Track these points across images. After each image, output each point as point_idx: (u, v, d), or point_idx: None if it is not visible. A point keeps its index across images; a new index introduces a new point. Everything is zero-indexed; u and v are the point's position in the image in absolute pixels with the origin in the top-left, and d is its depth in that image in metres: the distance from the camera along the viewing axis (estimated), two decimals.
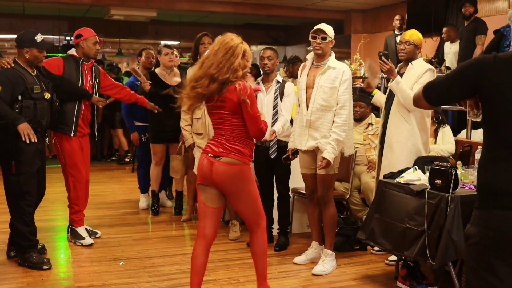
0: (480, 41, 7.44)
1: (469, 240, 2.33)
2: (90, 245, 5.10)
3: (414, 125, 4.58)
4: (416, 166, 4.24)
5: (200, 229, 3.68)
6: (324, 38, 4.49)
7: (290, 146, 4.74)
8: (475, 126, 6.51)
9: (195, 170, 5.55)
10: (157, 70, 6.14)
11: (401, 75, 4.68)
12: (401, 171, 4.27)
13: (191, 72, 5.95)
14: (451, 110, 7.28)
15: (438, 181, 3.79)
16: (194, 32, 14.27)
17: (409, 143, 4.59)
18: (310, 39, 4.53)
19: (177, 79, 6.09)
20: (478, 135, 6.44)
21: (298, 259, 4.81)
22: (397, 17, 9.03)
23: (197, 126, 5.55)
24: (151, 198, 6.50)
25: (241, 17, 12.83)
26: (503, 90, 2.23)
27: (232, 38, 3.54)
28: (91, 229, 5.42)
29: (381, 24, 11.15)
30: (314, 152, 4.59)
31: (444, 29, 8.35)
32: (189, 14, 12.41)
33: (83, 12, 12.46)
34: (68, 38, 12.70)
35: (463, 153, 5.82)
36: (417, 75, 4.58)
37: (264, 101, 5.05)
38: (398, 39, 8.80)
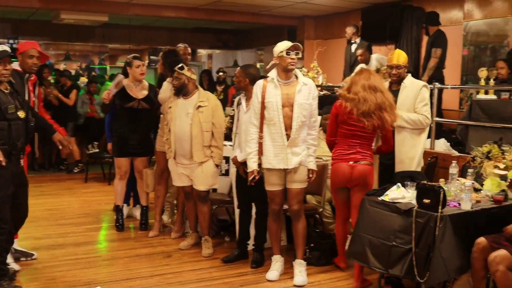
0: (435, 54, 7.60)
1: None
2: (17, 271, 4.71)
3: (418, 139, 5.00)
4: (399, 184, 4.26)
5: (341, 214, 4.84)
6: (298, 54, 4.50)
7: (254, 167, 4.61)
8: (438, 136, 6.65)
9: (175, 184, 5.48)
10: (124, 82, 5.93)
11: (394, 92, 4.92)
12: (384, 189, 4.28)
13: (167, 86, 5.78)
14: None
15: (426, 200, 3.81)
16: (143, 35, 14.17)
17: (417, 157, 4.98)
18: (284, 55, 4.47)
19: (145, 92, 5.92)
20: (440, 145, 6.57)
21: (272, 275, 4.75)
22: (348, 30, 9.10)
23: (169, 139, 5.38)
24: (115, 213, 6.29)
25: (191, 21, 12.65)
26: None
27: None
28: (25, 250, 5.09)
29: (334, 31, 11.23)
30: (282, 170, 4.59)
31: None
32: (139, 18, 12.14)
33: (28, 15, 11.97)
34: (11, 41, 12.21)
35: (430, 164, 5.93)
36: (414, 92, 4.97)
37: (243, 119, 4.96)
38: (353, 47, 8.94)
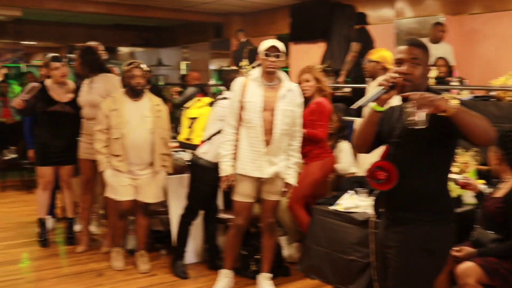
0: (353, 48, 7.75)
1: None
2: None
3: None
4: (351, 192, 4.05)
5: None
6: (278, 56, 4.07)
7: (231, 171, 4.15)
8: None
9: (110, 195, 4.87)
10: (47, 82, 5.40)
11: None
12: (335, 197, 4.05)
13: None
14: None
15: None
16: (60, 32, 13.34)
17: None
18: (262, 56, 4.08)
19: (70, 95, 5.41)
20: None
21: None
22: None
23: (115, 147, 4.75)
24: (38, 227, 5.72)
25: (111, 17, 12.02)
26: None
27: None
28: None
29: (262, 28, 11.02)
30: (256, 180, 4.17)
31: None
32: (54, 13, 11.42)
33: None
34: None
35: None
36: None
37: None
38: None
